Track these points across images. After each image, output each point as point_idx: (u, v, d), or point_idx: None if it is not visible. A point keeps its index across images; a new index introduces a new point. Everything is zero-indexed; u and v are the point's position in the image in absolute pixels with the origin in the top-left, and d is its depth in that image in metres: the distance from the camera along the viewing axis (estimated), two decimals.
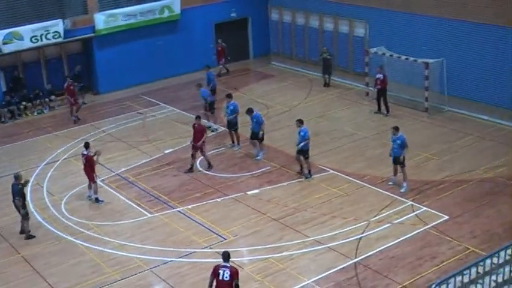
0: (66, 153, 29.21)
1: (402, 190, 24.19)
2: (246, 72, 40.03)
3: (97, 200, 24.60)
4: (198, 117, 27.11)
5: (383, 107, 31.64)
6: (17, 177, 22.44)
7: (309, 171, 25.69)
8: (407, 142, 24.09)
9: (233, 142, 28.72)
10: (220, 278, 16.38)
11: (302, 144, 25.20)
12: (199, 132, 26.54)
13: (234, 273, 16.43)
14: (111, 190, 25.61)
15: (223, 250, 17.25)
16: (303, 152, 25.34)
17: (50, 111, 34.84)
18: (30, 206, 24.41)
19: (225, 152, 28.35)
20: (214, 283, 16.53)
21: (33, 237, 22.47)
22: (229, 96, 28.89)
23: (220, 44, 39.36)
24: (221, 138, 29.61)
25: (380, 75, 31.32)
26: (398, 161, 24.20)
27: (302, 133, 25.32)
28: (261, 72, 39.60)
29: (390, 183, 24.66)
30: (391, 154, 24.28)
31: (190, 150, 26.90)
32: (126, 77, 37.16)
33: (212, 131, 30.21)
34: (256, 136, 27.25)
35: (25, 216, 22.48)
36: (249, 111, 27.47)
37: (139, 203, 24.50)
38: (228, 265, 16.46)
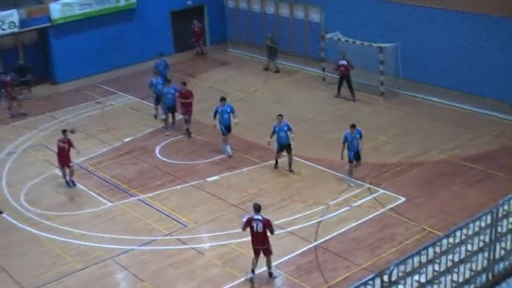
0: (24, 144, 28.85)
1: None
2: (202, 60, 39.90)
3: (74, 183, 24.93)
4: (183, 83, 29.01)
5: (345, 93, 31.65)
6: None
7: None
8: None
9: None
10: (255, 230, 17.92)
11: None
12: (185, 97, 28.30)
13: (266, 224, 17.92)
14: None
15: (254, 203, 18.60)
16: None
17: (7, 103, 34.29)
18: None
19: (184, 140, 28.25)
20: (249, 234, 18.20)
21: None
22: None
23: (197, 25, 39.81)
24: (179, 126, 29.39)
25: (344, 62, 31.21)
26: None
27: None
28: (218, 59, 39.49)
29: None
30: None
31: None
32: (83, 66, 36.77)
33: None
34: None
35: None
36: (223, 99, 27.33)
37: (100, 192, 24.34)
38: (260, 218, 17.91)
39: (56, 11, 35.50)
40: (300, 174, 24.67)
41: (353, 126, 23.59)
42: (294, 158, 25.17)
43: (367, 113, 29.96)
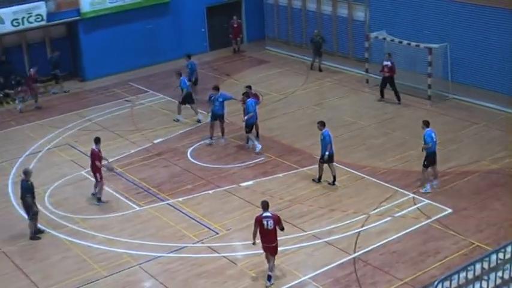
0: (49, 143, 29.15)
1: (423, 190, 23.60)
2: (239, 58, 39.98)
3: (99, 199, 24.05)
4: (248, 87, 28.65)
5: (388, 96, 31.46)
6: (26, 173, 22.11)
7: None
8: (426, 138, 23.33)
9: (212, 136, 28.24)
10: (266, 227, 18.52)
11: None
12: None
13: (277, 221, 18.58)
14: None
15: (262, 200, 18.90)
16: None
17: (33, 99, 34.60)
18: (12, 199, 24.41)
19: (217, 143, 28.27)
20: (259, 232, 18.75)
21: (39, 238, 22.06)
22: (216, 88, 28.12)
23: (236, 21, 40.33)
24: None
25: (388, 62, 31.08)
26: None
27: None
28: (256, 58, 39.57)
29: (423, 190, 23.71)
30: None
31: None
32: (113, 63, 37.09)
33: (198, 121, 30.36)
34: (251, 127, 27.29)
35: (34, 216, 22.01)
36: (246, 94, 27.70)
37: (128, 195, 24.47)
38: (269, 215, 18.56)
39: (86, 4, 35.81)
40: (340, 181, 24.56)
41: (425, 122, 23.71)
42: (335, 164, 24.76)
43: (413, 117, 29.75)
